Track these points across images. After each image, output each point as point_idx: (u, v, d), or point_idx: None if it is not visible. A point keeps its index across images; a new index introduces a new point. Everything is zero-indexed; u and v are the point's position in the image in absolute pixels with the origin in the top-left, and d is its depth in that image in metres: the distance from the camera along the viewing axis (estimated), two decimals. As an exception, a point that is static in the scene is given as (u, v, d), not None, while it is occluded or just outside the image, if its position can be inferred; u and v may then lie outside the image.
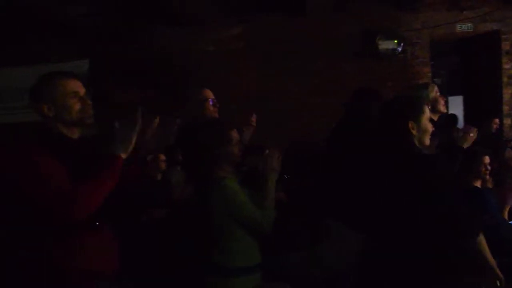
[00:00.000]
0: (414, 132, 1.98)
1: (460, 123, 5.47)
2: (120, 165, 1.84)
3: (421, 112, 2.01)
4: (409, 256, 1.92)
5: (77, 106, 1.92)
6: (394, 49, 5.63)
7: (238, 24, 5.62)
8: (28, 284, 1.80)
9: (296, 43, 5.60)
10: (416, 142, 1.99)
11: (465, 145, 2.76)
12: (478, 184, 3.01)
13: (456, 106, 6.29)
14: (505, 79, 5.84)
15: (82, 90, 1.97)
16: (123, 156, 1.85)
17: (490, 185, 3.31)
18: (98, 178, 1.80)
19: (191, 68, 5.30)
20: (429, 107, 2.27)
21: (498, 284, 2.01)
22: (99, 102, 2.25)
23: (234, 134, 2.19)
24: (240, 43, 5.59)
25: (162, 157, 3.70)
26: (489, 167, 3.00)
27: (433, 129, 2.08)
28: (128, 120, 1.84)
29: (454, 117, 5.29)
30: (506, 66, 5.82)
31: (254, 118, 3.03)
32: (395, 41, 5.62)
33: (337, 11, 5.55)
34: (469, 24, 5.73)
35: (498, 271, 2.02)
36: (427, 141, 2.03)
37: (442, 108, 3.01)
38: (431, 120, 2.13)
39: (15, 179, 1.77)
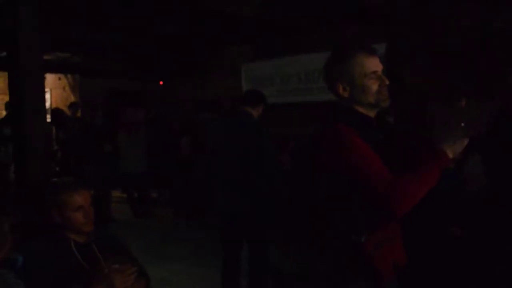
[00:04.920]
0: None
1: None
2: (446, 166, 1.64)
3: None
4: None
5: (375, 87, 1.77)
6: None
7: None
8: (342, 278, 1.77)
9: None
10: None
11: None
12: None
13: None
14: None
15: (380, 68, 1.81)
16: (450, 156, 1.65)
17: None
18: (421, 175, 1.61)
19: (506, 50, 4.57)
20: None
21: None
22: (395, 86, 2.12)
23: None
24: None
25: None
26: None
27: None
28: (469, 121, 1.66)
29: None
30: None
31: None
32: None
33: None
34: None
35: None
36: None
37: None
38: None
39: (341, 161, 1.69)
